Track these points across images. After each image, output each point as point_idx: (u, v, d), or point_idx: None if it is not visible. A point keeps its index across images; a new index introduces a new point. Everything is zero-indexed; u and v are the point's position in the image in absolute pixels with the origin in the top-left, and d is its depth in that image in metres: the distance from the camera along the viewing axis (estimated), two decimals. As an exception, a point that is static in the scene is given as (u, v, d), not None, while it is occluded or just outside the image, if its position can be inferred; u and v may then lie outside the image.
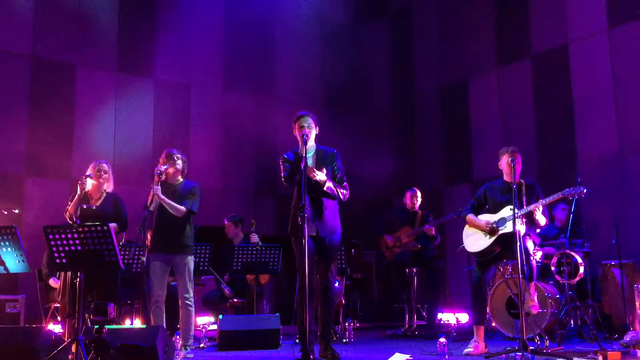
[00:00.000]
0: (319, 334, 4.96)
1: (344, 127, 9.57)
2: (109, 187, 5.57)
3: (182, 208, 5.44)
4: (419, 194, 7.49)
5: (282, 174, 4.92)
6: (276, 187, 9.51)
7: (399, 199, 8.00)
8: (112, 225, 5.25)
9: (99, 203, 5.44)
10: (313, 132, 4.96)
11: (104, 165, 5.55)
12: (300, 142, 4.82)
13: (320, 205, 4.87)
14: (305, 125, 4.88)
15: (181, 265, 5.49)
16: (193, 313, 5.57)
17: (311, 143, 4.95)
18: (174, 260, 5.50)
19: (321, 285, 4.93)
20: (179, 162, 5.58)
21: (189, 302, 5.48)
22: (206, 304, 7.14)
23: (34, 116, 8.19)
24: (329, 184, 4.80)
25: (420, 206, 7.50)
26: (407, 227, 7.38)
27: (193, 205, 5.51)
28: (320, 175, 4.73)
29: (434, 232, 7.21)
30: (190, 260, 5.55)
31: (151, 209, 5.43)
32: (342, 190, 4.91)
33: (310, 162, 4.83)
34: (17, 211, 6.14)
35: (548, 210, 5.67)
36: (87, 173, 5.38)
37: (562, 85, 8.21)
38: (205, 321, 6.73)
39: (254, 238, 6.99)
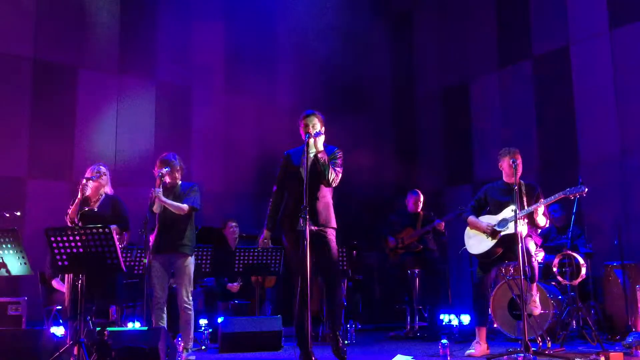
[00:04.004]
0: (330, 330, 4.90)
1: (345, 129, 9.55)
2: (107, 189, 5.58)
3: (185, 206, 5.44)
4: (421, 196, 7.48)
5: (277, 175, 4.94)
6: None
7: (400, 200, 7.99)
8: (113, 226, 5.26)
9: (97, 205, 5.44)
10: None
11: (102, 167, 5.56)
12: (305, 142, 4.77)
13: (314, 196, 4.78)
14: (310, 125, 4.86)
15: (182, 266, 5.49)
16: (193, 315, 5.57)
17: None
18: (174, 261, 5.50)
19: (325, 283, 4.90)
20: (177, 172, 5.60)
21: (187, 305, 5.48)
22: (207, 299, 7.06)
23: (35, 118, 8.19)
24: (324, 157, 4.74)
25: (421, 207, 7.50)
26: (409, 228, 7.38)
27: (195, 202, 5.52)
28: (320, 143, 4.75)
29: (443, 227, 7.21)
30: (191, 262, 5.55)
31: (155, 210, 5.44)
32: (332, 170, 4.78)
33: (311, 154, 4.76)
34: (18, 213, 6.13)
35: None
36: (87, 176, 5.38)
37: (563, 86, 8.20)
38: (205, 322, 6.71)
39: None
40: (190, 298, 5.52)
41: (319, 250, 4.79)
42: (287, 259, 5.02)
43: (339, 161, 4.91)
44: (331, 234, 4.87)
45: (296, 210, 4.56)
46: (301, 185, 4.54)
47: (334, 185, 4.86)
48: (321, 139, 4.89)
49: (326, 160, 4.76)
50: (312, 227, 4.66)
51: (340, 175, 4.87)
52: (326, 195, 4.89)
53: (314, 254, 4.78)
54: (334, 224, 4.90)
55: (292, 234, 4.77)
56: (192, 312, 5.53)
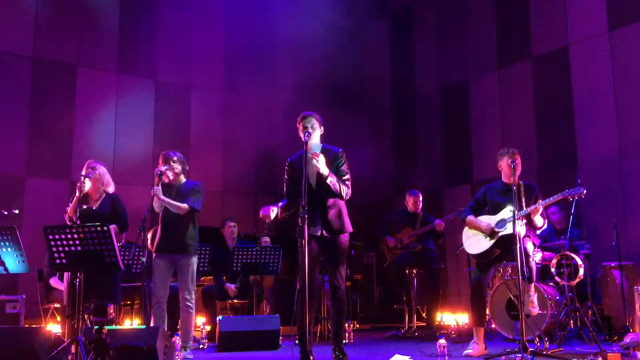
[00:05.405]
0: (332, 335, 4.92)
1: (345, 128, 9.57)
2: (108, 187, 5.54)
3: (185, 206, 5.40)
4: (420, 196, 7.48)
5: (284, 185, 4.92)
6: (276, 187, 9.51)
7: (399, 200, 8.00)
8: (112, 226, 5.24)
9: (97, 204, 5.43)
10: (317, 132, 4.89)
11: (96, 164, 5.49)
12: (304, 145, 4.75)
13: (325, 205, 4.78)
14: (309, 125, 4.83)
15: (185, 266, 5.47)
16: (194, 315, 5.55)
17: (315, 141, 4.86)
18: (177, 260, 5.49)
19: (330, 286, 4.89)
20: (177, 165, 5.55)
21: (189, 304, 5.46)
22: (205, 297, 7.06)
23: (34, 117, 8.20)
24: (332, 179, 4.69)
25: (421, 207, 7.50)
26: (408, 228, 7.38)
27: (196, 203, 5.47)
28: (322, 165, 4.61)
29: (442, 228, 7.20)
30: (194, 261, 5.53)
31: (157, 209, 5.42)
32: (343, 187, 4.75)
33: (314, 161, 4.75)
34: (17, 211, 6.15)
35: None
36: (83, 173, 5.36)
37: (562, 87, 8.21)
38: (203, 321, 6.70)
39: (265, 241, 6.96)
40: (193, 296, 5.50)
41: (328, 251, 4.81)
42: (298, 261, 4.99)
43: (345, 167, 4.85)
44: (344, 238, 4.87)
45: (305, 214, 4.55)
46: (307, 189, 4.53)
47: (347, 199, 4.86)
48: (317, 136, 4.88)
49: (336, 184, 4.72)
50: (325, 235, 4.74)
51: (350, 182, 4.85)
52: (337, 202, 4.87)
53: (324, 255, 4.82)
54: (349, 228, 4.88)
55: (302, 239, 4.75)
56: (193, 311, 5.51)
